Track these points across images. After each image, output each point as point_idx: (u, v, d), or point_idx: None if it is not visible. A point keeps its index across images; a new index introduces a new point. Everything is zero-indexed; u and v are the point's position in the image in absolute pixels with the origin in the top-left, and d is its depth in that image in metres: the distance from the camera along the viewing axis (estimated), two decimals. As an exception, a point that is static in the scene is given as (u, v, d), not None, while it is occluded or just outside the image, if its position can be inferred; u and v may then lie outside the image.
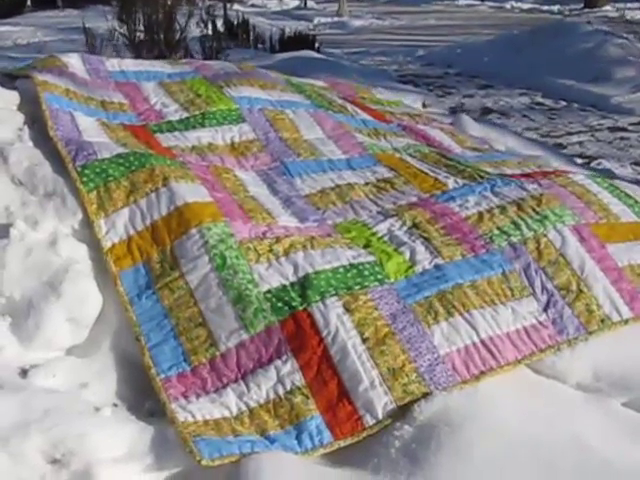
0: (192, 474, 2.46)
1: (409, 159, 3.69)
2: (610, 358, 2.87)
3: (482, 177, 3.47)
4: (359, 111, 4.26)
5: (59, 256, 2.93)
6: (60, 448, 2.41)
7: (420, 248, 3.00)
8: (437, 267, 2.94)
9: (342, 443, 2.53)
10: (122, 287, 2.83)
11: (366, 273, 2.86)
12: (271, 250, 2.89)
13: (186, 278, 2.82)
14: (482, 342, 2.75)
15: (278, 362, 2.65)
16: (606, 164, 7.11)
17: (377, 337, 2.67)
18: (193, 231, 2.90)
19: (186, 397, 2.60)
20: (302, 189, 3.37)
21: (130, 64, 4.19)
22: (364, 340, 2.66)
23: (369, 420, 2.56)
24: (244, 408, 2.59)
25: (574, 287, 2.96)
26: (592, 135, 8.34)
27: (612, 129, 8.54)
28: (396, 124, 4.29)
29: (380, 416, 2.56)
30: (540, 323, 2.85)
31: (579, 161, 7.09)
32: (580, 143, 8.05)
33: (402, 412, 2.57)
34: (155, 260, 2.89)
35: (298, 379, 2.63)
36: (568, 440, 2.54)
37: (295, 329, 2.69)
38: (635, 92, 9.40)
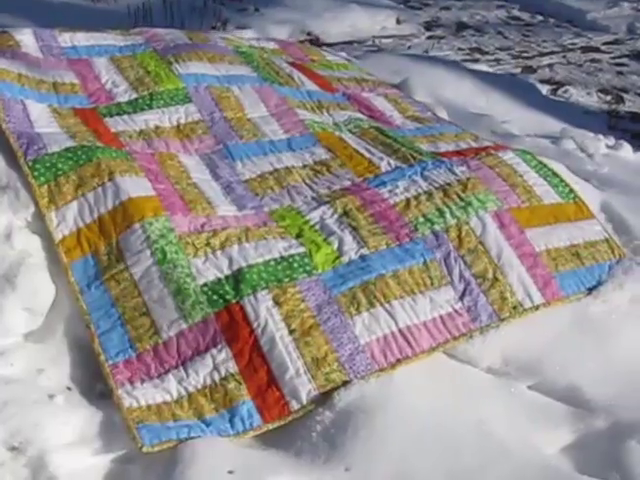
0: (137, 458, 2.85)
1: (347, 137, 4.02)
2: (519, 343, 3.25)
3: (415, 158, 3.81)
4: (305, 80, 4.54)
5: (13, 249, 3.28)
6: (17, 437, 2.77)
7: (348, 238, 3.37)
8: (362, 257, 3.31)
9: (270, 426, 2.92)
10: (73, 277, 3.20)
11: (295, 265, 3.23)
12: (208, 244, 3.25)
13: (130, 271, 3.19)
14: (400, 331, 3.14)
15: (214, 350, 3.03)
16: (572, 91, 7.42)
17: (303, 328, 3.06)
18: (136, 226, 3.25)
19: (132, 382, 2.98)
20: (242, 173, 3.71)
21: (82, 38, 4.43)
22: (291, 332, 3.04)
23: (295, 405, 2.94)
24: (184, 393, 2.97)
25: (490, 275, 3.34)
26: (564, 56, 8.61)
27: (585, 49, 8.83)
28: (341, 93, 4.59)
29: (304, 402, 2.94)
30: (456, 311, 3.25)
31: (547, 87, 7.43)
32: (550, 66, 8.30)
33: (324, 399, 2.94)
34: (102, 252, 3.25)
35: (232, 366, 3.00)
36: (472, 425, 2.92)
37: (229, 320, 3.06)
38: (612, 7, 9.62)
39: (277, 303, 3.09)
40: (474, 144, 4.09)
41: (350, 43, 9.18)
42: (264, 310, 3.06)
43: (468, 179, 3.62)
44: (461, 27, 9.87)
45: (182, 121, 3.95)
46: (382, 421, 2.86)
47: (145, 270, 3.16)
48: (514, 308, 3.27)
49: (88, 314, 3.11)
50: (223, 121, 3.97)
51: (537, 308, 3.31)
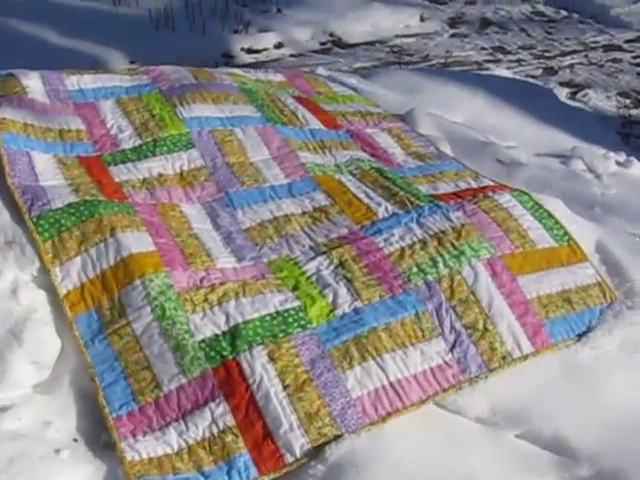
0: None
1: (347, 181, 4.17)
2: (507, 392, 3.39)
3: (412, 203, 3.96)
4: (309, 117, 4.69)
5: (20, 305, 3.48)
6: (24, 494, 3.03)
7: (342, 290, 3.53)
8: (356, 310, 3.48)
9: (266, 478, 3.09)
10: (77, 331, 3.39)
11: (290, 320, 3.41)
12: (206, 300, 3.42)
13: (132, 326, 3.38)
14: (391, 384, 3.31)
15: (212, 405, 3.20)
16: (591, 95, 7.51)
17: (296, 384, 3.22)
18: (137, 282, 3.43)
19: (134, 435, 3.18)
20: (243, 222, 3.88)
21: (89, 80, 4.59)
22: (285, 387, 3.21)
23: (289, 458, 3.11)
24: (184, 445, 3.15)
25: (480, 325, 3.50)
26: (585, 56, 8.67)
27: (607, 48, 8.85)
28: (345, 130, 4.74)
29: (298, 455, 3.10)
30: (446, 363, 3.40)
31: (566, 91, 7.53)
32: (571, 67, 8.37)
33: (316, 452, 3.10)
34: (105, 307, 3.44)
35: (229, 420, 3.17)
36: (461, 476, 3.06)
37: (226, 376, 3.23)
38: (636, 2, 9.63)
39: (272, 359, 3.25)
40: (474, 183, 4.22)
41: (372, 43, 9.33)
42: (259, 366, 3.23)
43: (463, 226, 3.76)
44: (485, 24, 9.96)
45: (185, 168, 4.11)
46: (372, 474, 3.01)
47: (146, 326, 3.34)
48: (503, 358, 3.41)
49: (93, 367, 3.30)
50: (225, 167, 4.14)
51: (526, 357, 3.46)
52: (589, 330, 3.63)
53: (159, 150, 4.17)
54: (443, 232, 3.74)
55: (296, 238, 3.78)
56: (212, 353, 3.28)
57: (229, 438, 3.13)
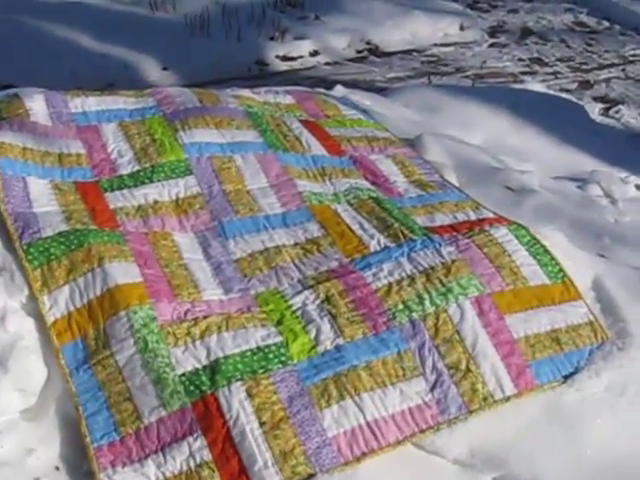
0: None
1: (343, 211, 4.23)
2: (487, 433, 3.42)
3: (405, 236, 4.00)
4: (313, 143, 4.76)
5: (7, 332, 3.58)
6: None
7: (326, 327, 3.59)
8: (337, 348, 3.53)
9: (240, 514, 3.13)
10: (63, 360, 3.49)
11: (271, 356, 3.47)
12: (189, 333, 3.50)
13: (115, 357, 3.46)
14: (368, 424, 3.35)
15: (190, 439, 3.27)
16: (624, 111, 7.45)
17: (273, 421, 3.28)
18: (122, 313, 3.52)
19: (114, 466, 3.26)
20: (234, 252, 3.95)
21: (93, 103, 4.69)
22: (261, 424, 3.27)
23: (263, 495, 3.14)
24: (161, 477, 3.21)
25: (463, 366, 3.53)
26: (623, 69, 8.60)
27: (646, 62, 8.76)
28: (348, 156, 4.78)
29: (272, 493, 3.14)
30: (425, 403, 3.44)
31: (599, 107, 7.49)
32: (607, 81, 8.31)
33: (290, 491, 3.15)
34: (91, 337, 3.53)
35: (206, 455, 3.24)
36: None
37: (204, 411, 3.31)
38: (679, 15, 9.56)
39: (250, 395, 3.32)
40: (473, 215, 4.25)
41: (409, 52, 9.33)
42: (237, 402, 3.30)
43: (453, 262, 3.80)
44: (525, 33, 9.92)
45: (181, 195, 4.20)
46: (343, 516, 3.05)
47: (129, 358, 3.42)
48: (484, 400, 3.45)
49: (77, 396, 3.39)
50: (221, 195, 4.21)
51: (508, 399, 3.48)
52: (576, 371, 3.64)
53: (156, 176, 4.25)
54: (432, 268, 3.77)
55: (285, 270, 3.84)
56: (191, 387, 3.35)
57: (205, 472, 3.20)
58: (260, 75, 8.78)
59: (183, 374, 3.40)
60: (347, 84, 7.25)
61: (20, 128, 4.40)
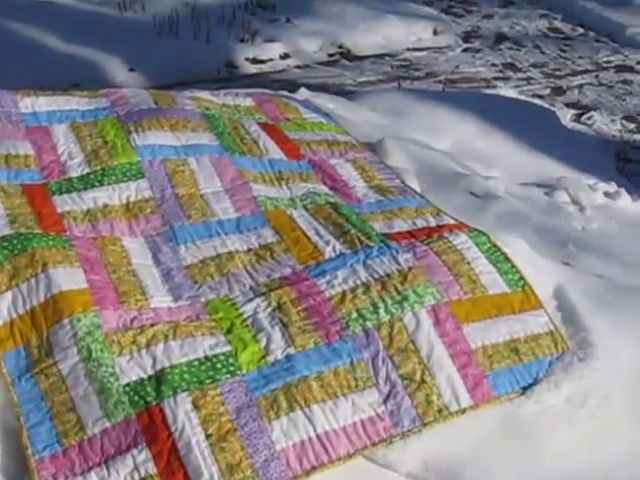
0: None
1: (299, 216, 4.15)
2: (441, 446, 3.33)
3: (361, 243, 3.92)
4: (271, 147, 4.68)
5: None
6: None
7: (277, 336, 3.49)
8: (288, 357, 3.44)
9: (185, 528, 3.03)
10: (5, 369, 3.38)
11: (219, 366, 3.37)
12: (134, 342, 3.40)
13: (59, 366, 3.36)
14: (318, 437, 3.26)
15: (134, 451, 3.18)
16: (597, 117, 7.43)
17: (219, 433, 3.19)
18: (65, 321, 3.42)
19: (55, 479, 3.17)
20: (185, 258, 3.86)
21: (44, 103, 4.60)
22: (207, 436, 3.17)
23: (208, 509, 3.05)
24: None
25: (418, 377, 3.44)
26: (596, 76, 8.59)
27: (619, 68, 8.79)
28: (307, 160, 4.70)
29: (217, 507, 3.05)
30: (378, 415, 3.35)
31: (571, 112, 7.45)
32: (580, 87, 8.28)
33: (236, 505, 3.06)
34: (34, 345, 3.42)
35: (151, 468, 3.14)
36: None
37: (149, 422, 3.21)
38: (654, 21, 9.56)
39: (196, 406, 3.23)
40: (433, 221, 4.18)
41: (381, 57, 9.29)
42: (182, 414, 3.21)
43: (410, 269, 3.72)
44: (500, 39, 9.91)
45: (132, 199, 4.11)
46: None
47: (72, 367, 3.33)
48: (439, 412, 3.37)
49: (19, 406, 3.29)
50: (174, 199, 4.12)
51: (464, 411, 3.41)
52: (535, 383, 3.56)
53: (107, 179, 4.16)
54: (388, 275, 3.70)
55: (237, 277, 3.75)
56: (136, 398, 3.26)
57: None
58: (229, 78, 8.73)
59: (128, 384, 3.30)
60: (315, 87, 7.21)
61: None
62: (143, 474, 3.14)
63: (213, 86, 8.18)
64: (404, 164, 4.88)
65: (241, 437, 3.20)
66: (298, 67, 9.09)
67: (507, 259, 3.92)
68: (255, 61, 9.14)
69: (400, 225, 4.14)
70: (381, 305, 3.60)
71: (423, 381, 3.43)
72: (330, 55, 9.46)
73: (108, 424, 3.24)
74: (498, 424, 3.44)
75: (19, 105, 4.59)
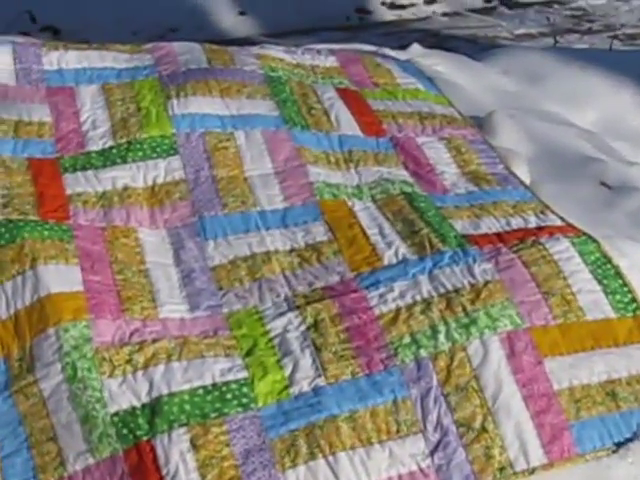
0: None
1: (362, 209, 3.94)
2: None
3: (433, 247, 3.65)
4: (346, 119, 4.48)
5: None
6: None
7: (306, 362, 3.28)
8: (316, 391, 3.22)
9: None
10: None
11: (229, 396, 3.19)
12: (130, 361, 3.25)
13: (40, 385, 3.24)
14: None
15: None
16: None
17: None
18: (51, 331, 3.29)
19: None
20: (212, 257, 3.69)
21: (73, 59, 4.49)
22: None
23: None
24: None
25: (477, 424, 3.17)
26: None
27: None
28: (389, 138, 4.45)
29: None
30: (421, 470, 3.11)
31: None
32: None
33: None
34: (15, 357, 3.31)
35: None
36: None
37: (137, 462, 3.06)
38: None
39: (194, 446, 3.07)
40: (533, 221, 3.91)
41: (550, 4, 8.88)
42: (177, 454, 3.05)
43: (486, 284, 3.46)
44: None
45: (159, 180, 3.97)
46: None
47: (55, 387, 3.22)
48: (501, 470, 3.13)
49: None
50: (210, 182, 3.97)
51: (532, 471, 3.14)
52: (634, 438, 3.25)
53: (132, 156, 4.03)
54: (457, 291, 3.44)
55: (272, 284, 3.57)
56: (124, 431, 3.12)
57: None
58: (360, 25, 8.53)
59: (116, 413, 3.16)
60: (461, 39, 6.87)
61: None
62: None
63: (337, 36, 7.99)
64: (516, 145, 4.55)
65: None
66: (445, 15, 8.80)
67: (618, 274, 3.59)
68: (393, 6, 8.91)
69: (489, 225, 3.84)
70: (442, 329, 3.35)
71: (484, 430, 3.18)
72: (487, 1, 9.09)
73: (91, 460, 3.11)
74: (580, 490, 3.08)
75: (42, 60, 4.51)
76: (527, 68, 6.04)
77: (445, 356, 3.31)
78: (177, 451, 3.06)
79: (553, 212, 3.99)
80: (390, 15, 8.73)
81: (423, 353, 3.32)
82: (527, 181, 4.34)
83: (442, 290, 3.50)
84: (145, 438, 3.09)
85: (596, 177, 4.60)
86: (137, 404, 3.18)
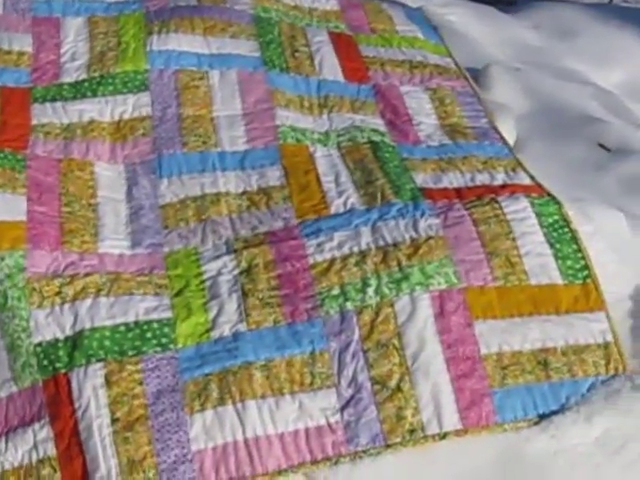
0: None
1: (323, 156, 3.84)
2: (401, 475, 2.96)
3: (384, 198, 3.53)
4: (330, 64, 4.36)
5: None
6: None
7: (231, 306, 3.21)
8: (235, 336, 3.15)
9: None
10: None
11: (149, 335, 3.14)
12: (59, 293, 3.21)
13: None
14: (245, 442, 2.98)
15: (36, 426, 3.03)
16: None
17: (128, 419, 2.97)
18: None
19: None
20: (163, 196, 3.63)
21: (66, -12, 4.43)
22: (113, 421, 2.97)
23: (98, 511, 2.86)
24: None
25: (393, 382, 3.07)
26: None
27: None
28: (372, 85, 4.30)
29: (109, 510, 2.85)
30: (329, 425, 3.02)
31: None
32: None
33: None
34: None
35: (50, 449, 3.00)
36: None
37: (54, 393, 3.04)
38: None
39: (108, 382, 3.04)
40: (500, 178, 3.76)
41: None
42: (90, 389, 3.03)
43: (428, 239, 3.33)
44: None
45: (125, 116, 3.93)
46: None
47: None
48: (411, 432, 3.01)
49: None
50: (175, 120, 3.91)
51: (444, 436, 3.00)
52: (560, 411, 3.08)
53: (102, 90, 3.99)
54: (396, 245, 3.32)
55: (216, 226, 3.51)
56: (45, 362, 3.11)
57: (45, 471, 2.98)
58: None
59: (40, 344, 3.14)
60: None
61: None
62: (41, 455, 3.00)
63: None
64: (510, 100, 4.36)
65: (152, 428, 2.99)
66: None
67: (574, 239, 3.39)
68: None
69: (452, 179, 3.69)
70: (373, 282, 3.24)
71: (399, 389, 3.06)
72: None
73: (15, 389, 3.11)
74: (493, 462, 3.01)
75: None
76: (562, 23, 5.81)
77: (371, 310, 3.20)
78: (90, 385, 3.03)
79: (525, 170, 3.81)
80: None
81: (349, 306, 3.21)
82: (512, 137, 4.16)
83: (381, 243, 3.37)
84: (63, 371, 3.07)
85: (594, 138, 4.39)
86: (60, 336, 3.15)
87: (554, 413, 3.11)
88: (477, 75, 4.56)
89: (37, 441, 3.00)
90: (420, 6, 5.21)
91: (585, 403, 3.10)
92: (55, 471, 2.96)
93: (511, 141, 4.13)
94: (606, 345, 3.23)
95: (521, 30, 5.55)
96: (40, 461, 2.99)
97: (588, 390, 3.15)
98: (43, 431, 3.01)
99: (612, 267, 3.43)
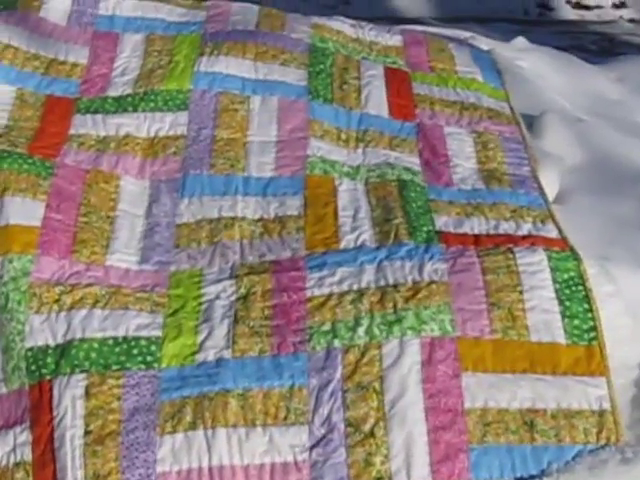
0: None
1: (348, 190, 3.73)
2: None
3: (397, 237, 3.42)
4: (376, 100, 4.25)
5: None
6: None
7: (220, 331, 3.14)
8: (218, 361, 3.07)
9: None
10: None
11: (135, 352, 3.09)
12: (58, 300, 3.20)
13: None
14: (210, 469, 2.90)
15: (18, 429, 3.02)
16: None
17: (100, 433, 2.94)
18: None
19: None
20: (181, 215, 3.58)
21: (129, 7, 4.48)
22: (86, 433, 2.94)
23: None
24: None
25: (367, 426, 2.93)
26: None
27: None
28: (417, 123, 4.16)
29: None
30: (295, 463, 2.91)
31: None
32: None
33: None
34: None
35: (27, 453, 2.99)
36: None
37: (38, 399, 3.03)
38: None
39: (88, 394, 3.01)
40: (526, 228, 3.57)
41: None
42: (69, 398, 3.01)
43: (430, 284, 3.18)
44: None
45: (161, 133, 3.91)
46: None
47: None
48: None
49: None
50: (208, 141, 3.87)
51: (412, 488, 2.81)
52: (542, 476, 2.88)
53: (143, 105, 3.98)
54: (396, 286, 3.17)
55: (225, 250, 3.45)
56: (34, 367, 3.10)
57: (20, 475, 2.97)
58: (537, 21, 8.05)
59: (31, 348, 3.13)
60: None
61: (18, 22, 4.29)
62: (18, 458, 2.99)
63: (511, 28, 7.59)
64: (562, 150, 4.14)
65: (121, 444, 2.94)
66: (632, 21, 8.18)
67: (587, 298, 3.20)
68: (578, 5, 8.37)
69: (474, 225, 3.53)
70: (365, 322, 3.12)
71: (372, 434, 2.92)
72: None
73: (4, 390, 3.11)
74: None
75: (99, 5, 4.49)
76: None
77: (357, 350, 3.08)
78: (70, 395, 3.00)
79: (555, 222, 3.60)
80: (572, 14, 8.25)
81: (336, 343, 3.10)
82: (555, 188, 3.97)
83: (382, 283, 3.25)
84: (48, 377, 3.06)
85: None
86: (51, 343, 3.14)
87: (532, 478, 2.88)
88: (532, 121, 4.34)
89: (16, 444, 3.00)
90: (491, 49, 5.03)
91: (567, 471, 2.90)
92: (28, 476, 2.94)
93: (553, 192, 3.93)
94: (601, 413, 3.02)
95: (602, 81, 5.33)
96: (16, 464, 2.98)
97: (573, 458, 2.93)
98: (23, 435, 3.00)
99: (625, 331, 3.22)
